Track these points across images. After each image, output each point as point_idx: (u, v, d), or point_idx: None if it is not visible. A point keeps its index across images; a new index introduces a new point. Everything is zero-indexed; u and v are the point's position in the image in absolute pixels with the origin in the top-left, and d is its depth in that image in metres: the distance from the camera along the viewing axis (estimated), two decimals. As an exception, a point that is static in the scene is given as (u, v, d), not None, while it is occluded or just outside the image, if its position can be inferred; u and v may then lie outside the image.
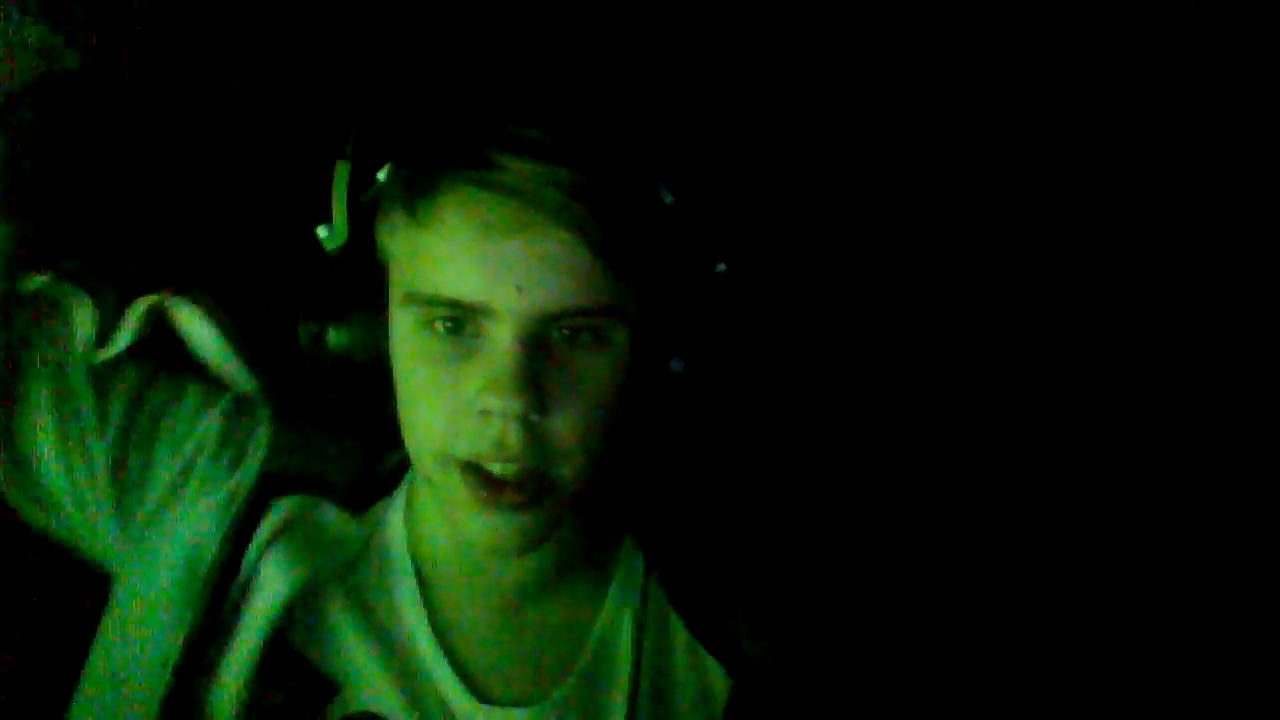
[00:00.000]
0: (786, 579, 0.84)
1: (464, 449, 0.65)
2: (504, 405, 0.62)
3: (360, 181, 0.71)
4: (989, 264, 1.10)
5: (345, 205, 0.70)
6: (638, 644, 0.76)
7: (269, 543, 0.74)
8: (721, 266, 0.73)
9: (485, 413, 0.64)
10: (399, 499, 0.80)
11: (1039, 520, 1.10)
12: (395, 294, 0.68)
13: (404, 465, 0.81)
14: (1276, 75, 1.04)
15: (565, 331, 0.65)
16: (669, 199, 0.69)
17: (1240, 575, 1.08)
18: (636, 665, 0.76)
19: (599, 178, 0.63)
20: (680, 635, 0.78)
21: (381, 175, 0.70)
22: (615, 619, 0.78)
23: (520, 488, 0.65)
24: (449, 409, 0.65)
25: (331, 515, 0.77)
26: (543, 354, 0.64)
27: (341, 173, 0.70)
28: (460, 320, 0.64)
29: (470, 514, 0.67)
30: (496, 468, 0.65)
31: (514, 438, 0.63)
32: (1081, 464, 1.11)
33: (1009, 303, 1.11)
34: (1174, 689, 1.07)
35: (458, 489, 0.66)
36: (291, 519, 0.75)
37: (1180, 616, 1.08)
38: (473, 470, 0.65)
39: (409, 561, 0.77)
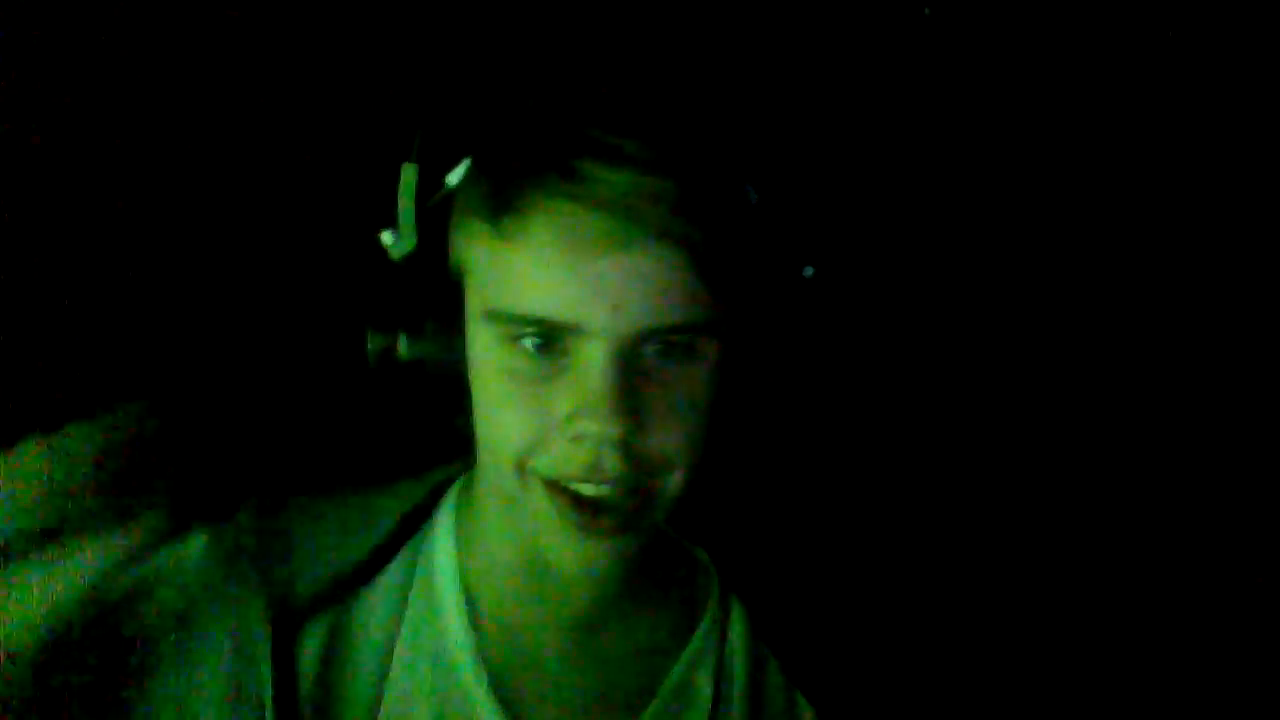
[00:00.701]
0: (886, 621, 0.81)
1: (549, 467, 0.62)
2: (602, 430, 0.59)
3: (430, 184, 0.67)
4: (1059, 251, 1.07)
5: (413, 209, 0.67)
6: (717, 687, 0.74)
7: (318, 675, 0.68)
8: (809, 270, 0.69)
9: (579, 437, 0.60)
10: (445, 520, 0.75)
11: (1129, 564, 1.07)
12: (474, 307, 0.64)
13: (444, 486, 0.77)
14: (1277, 75, 1.00)
15: (659, 347, 0.61)
16: (755, 198, 0.65)
17: (1240, 575, 1.06)
18: (714, 710, 0.73)
19: (696, 188, 0.59)
20: (776, 679, 0.76)
21: (453, 178, 0.66)
22: (699, 659, 0.75)
23: (618, 511, 0.62)
24: (536, 427, 0.62)
25: (368, 607, 0.70)
26: (636, 372, 0.61)
27: (409, 175, 0.66)
28: (549, 337, 0.61)
29: (559, 538, 0.64)
30: (589, 489, 0.62)
31: (611, 461, 0.60)
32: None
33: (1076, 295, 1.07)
34: (1182, 690, 1.05)
35: (544, 510, 0.63)
36: (329, 641, 0.68)
37: (1189, 617, 1.06)
38: (562, 491, 0.62)
39: (457, 592, 0.72)
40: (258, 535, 0.69)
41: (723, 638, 0.76)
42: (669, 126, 0.61)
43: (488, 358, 0.63)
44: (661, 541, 0.75)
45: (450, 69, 0.86)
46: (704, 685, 0.74)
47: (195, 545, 0.68)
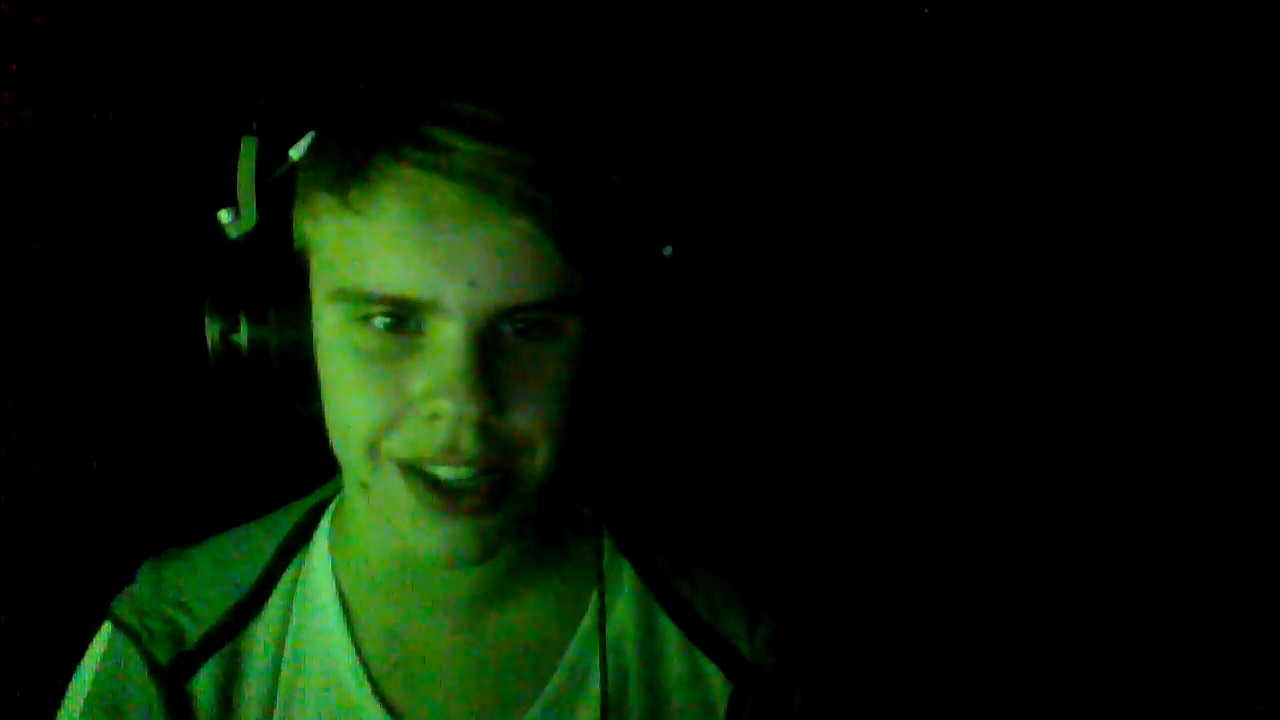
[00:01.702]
0: (783, 577, 0.80)
1: (403, 449, 0.59)
2: (457, 409, 0.56)
3: (272, 158, 0.63)
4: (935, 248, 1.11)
5: (253, 185, 0.63)
6: (604, 664, 0.71)
7: (215, 714, 0.70)
8: (668, 250, 0.69)
9: (435, 417, 0.58)
10: (322, 537, 0.75)
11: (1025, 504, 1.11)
12: (320, 287, 0.61)
13: (324, 506, 0.77)
14: (1277, 75, 1.06)
15: (518, 325, 0.59)
16: (617, 178, 0.65)
17: (1240, 575, 1.11)
18: (623, 679, 0.71)
19: (554, 160, 0.58)
20: (674, 640, 0.74)
21: (297, 151, 0.63)
22: (591, 637, 0.72)
23: (477, 493, 0.60)
24: (387, 407, 0.59)
25: (256, 637, 0.72)
26: (494, 351, 0.58)
27: (248, 148, 0.62)
28: (401, 316, 0.58)
29: (417, 523, 0.60)
30: (446, 472, 0.59)
31: (468, 441, 0.58)
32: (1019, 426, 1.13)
33: (963, 283, 1.11)
34: (1173, 689, 1.09)
35: (401, 494, 0.60)
36: (223, 679, 0.70)
37: (1180, 617, 1.10)
38: (417, 474, 0.60)
39: (335, 604, 0.72)
40: (152, 596, 0.73)
41: (611, 610, 0.74)
42: (526, 97, 0.60)
43: (335, 339, 0.60)
44: (547, 511, 0.73)
45: (298, 34, 0.82)
46: (597, 665, 0.71)
47: (102, 641, 0.74)
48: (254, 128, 0.63)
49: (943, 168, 1.08)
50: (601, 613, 0.72)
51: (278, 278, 0.62)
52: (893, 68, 1.04)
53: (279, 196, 0.63)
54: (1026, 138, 1.09)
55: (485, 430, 0.58)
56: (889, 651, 0.96)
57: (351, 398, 0.59)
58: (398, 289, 0.56)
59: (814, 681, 0.77)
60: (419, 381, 0.58)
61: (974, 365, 1.12)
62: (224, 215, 0.63)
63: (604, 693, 0.70)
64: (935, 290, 1.11)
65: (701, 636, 0.74)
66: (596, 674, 0.71)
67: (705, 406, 1.00)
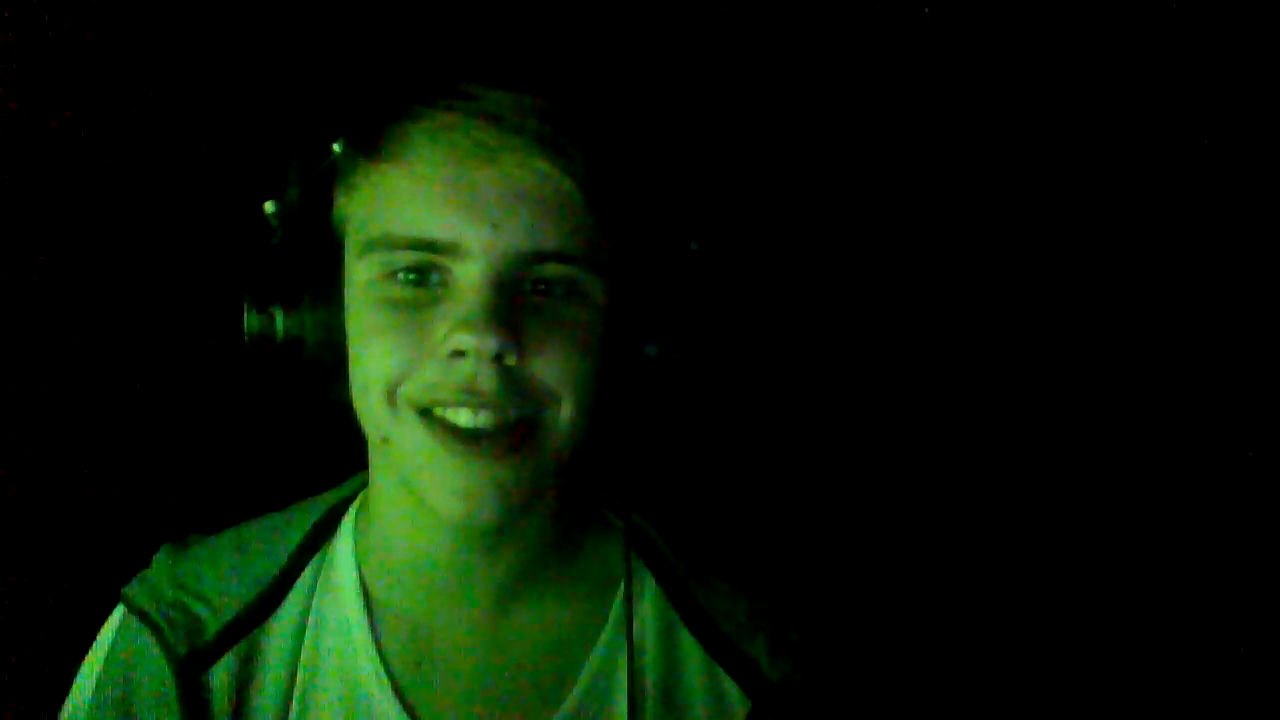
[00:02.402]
0: (805, 595, 0.78)
1: (421, 393, 0.60)
2: (477, 343, 0.58)
3: (314, 155, 0.67)
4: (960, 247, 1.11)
5: (298, 175, 0.66)
6: (631, 674, 0.69)
7: (232, 707, 0.68)
8: (695, 244, 0.70)
9: (455, 354, 0.59)
10: (346, 532, 0.75)
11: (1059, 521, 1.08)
12: (353, 249, 0.63)
13: (346, 503, 0.76)
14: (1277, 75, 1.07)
15: (540, 285, 0.61)
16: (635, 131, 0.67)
17: (1240, 575, 1.07)
18: (640, 696, 0.69)
19: (573, 107, 0.61)
20: (693, 655, 0.72)
21: (338, 145, 0.66)
22: (614, 645, 0.71)
23: (497, 437, 0.60)
24: (408, 352, 0.60)
25: (275, 631, 0.71)
26: (515, 297, 0.60)
27: (297, 148, 0.67)
28: (425, 269, 0.60)
29: (436, 472, 0.61)
30: (465, 417, 0.60)
31: (488, 381, 0.59)
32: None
33: (979, 288, 1.11)
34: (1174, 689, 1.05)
35: (420, 443, 0.61)
36: (240, 672, 0.69)
37: (1180, 616, 1.07)
38: (437, 421, 0.60)
39: (358, 599, 0.71)
40: (168, 584, 0.72)
41: (634, 618, 0.72)
42: (550, 55, 0.64)
43: (363, 296, 0.62)
44: (572, 514, 0.73)
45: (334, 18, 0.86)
46: (620, 673, 0.70)
47: (112, 626, 0.74)
48: (300, 128, 0.67)
49: (947, 166, 1.10)
50: (629, 625, 0.70)
51: (316, 261, 0.65)
52: (893, 65, 1.07)
53: (321, 186, 0.66)
54: (1032, 136, 1.10)
55: (505, 372, 0.59)
56: (912, 672, 0.92)
57: (373, 344, 0.61)
58: (422, 231, 0.59)
59: (835, 703, 0.74)
60: (441, 327, 0.59)
61: (1005, 381, 1.10)
62: (269, 206, 0.67)
63: (632, 705, 0.68)
64: (970, 299, 1.11)
65: (721, 651, 0.72)
66: (619, 686, 0.69)
67: (729, 413, 0.99)
